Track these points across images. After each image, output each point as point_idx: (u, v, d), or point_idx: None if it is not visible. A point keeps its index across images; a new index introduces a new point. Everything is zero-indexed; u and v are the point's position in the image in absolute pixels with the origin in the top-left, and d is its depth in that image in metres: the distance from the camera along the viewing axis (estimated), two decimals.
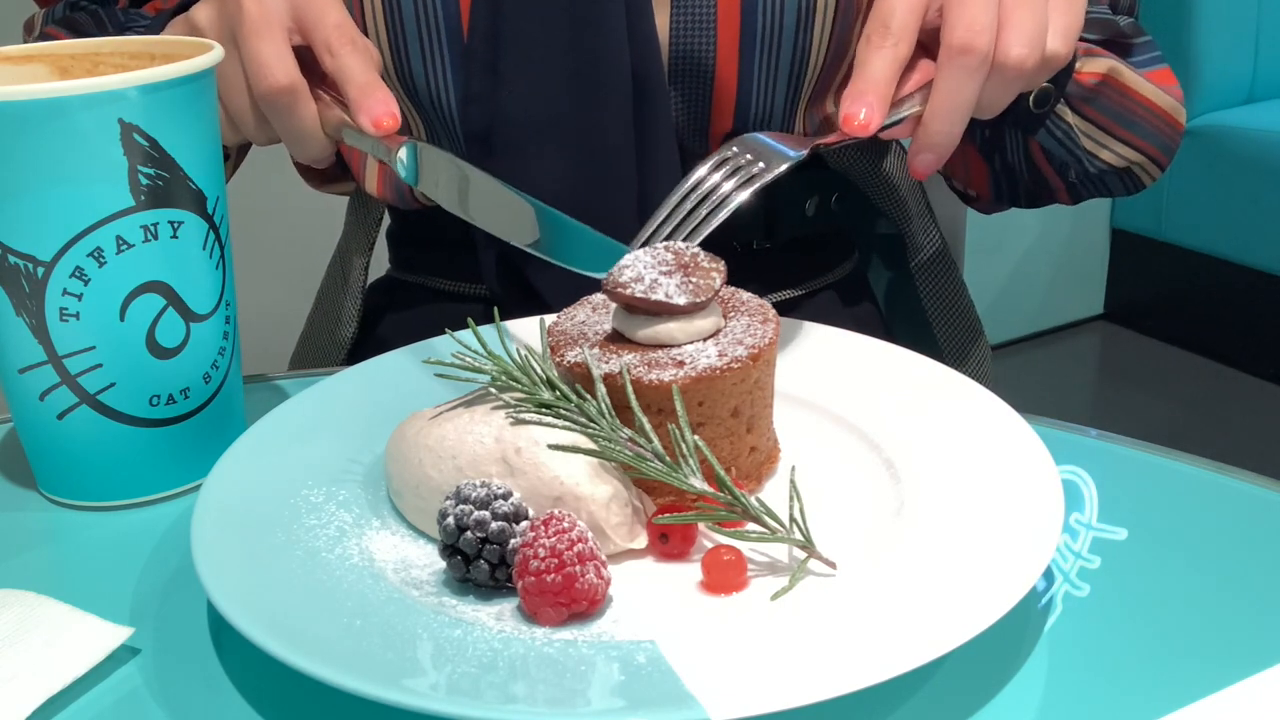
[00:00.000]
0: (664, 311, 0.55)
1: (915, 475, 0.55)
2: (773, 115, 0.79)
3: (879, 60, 0.62)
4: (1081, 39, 0.76)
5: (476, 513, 0.49)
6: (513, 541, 0.49)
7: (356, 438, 0.60)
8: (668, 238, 0.62)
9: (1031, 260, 2.74)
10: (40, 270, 0.56)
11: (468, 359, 0.56)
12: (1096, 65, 0.76)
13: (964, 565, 0.48)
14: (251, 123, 0.67)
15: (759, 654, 0.44)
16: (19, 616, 0.50)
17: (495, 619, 0.48)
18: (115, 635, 0.49)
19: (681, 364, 0.54)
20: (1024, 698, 0.46)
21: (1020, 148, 0.80)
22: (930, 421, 0.59)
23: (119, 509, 0.61)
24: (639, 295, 0.55)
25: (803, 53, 0.77)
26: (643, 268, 0.56)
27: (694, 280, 0.56)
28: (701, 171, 0.64)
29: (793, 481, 0.51)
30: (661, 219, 0.63)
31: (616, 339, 0.57)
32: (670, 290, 0.55)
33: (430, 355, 0.66)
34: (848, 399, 0.62)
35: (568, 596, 0.47)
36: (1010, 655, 0.48)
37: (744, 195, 0.62)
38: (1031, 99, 0.73)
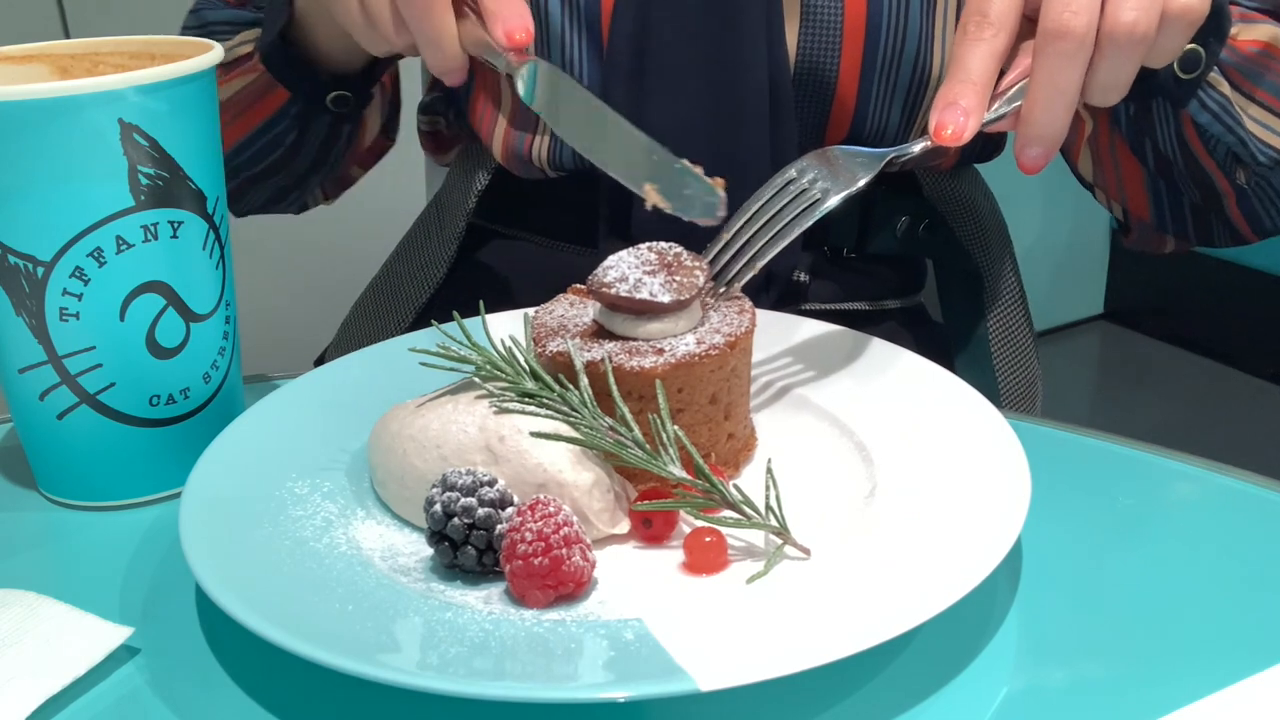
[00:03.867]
0: (649, 310, 0.56)
1: (887, 462, 0.57)
2: (886, 132, 0.80)
3: (975, 55, 0.57)
4: (1239, 3, 0.70)
5: (463, 499, 0.50)
6: (499, 527, 0.50)
7: (337, 431, 0.60)
8: (723, 270, 0.61)
9: (1031, 260, 2.72)
10: (40, 270, 0.56)
11: (452, 350, 0.57)
12: (1256, 33, 0.69)
13: (933, 547, 0.49)
14: (389, 22, 0.65)
15: (742, 629, 0.46)
16: (19, 616, 0.50)
17: (484, 602, 0.49)
18: (115, 635, 0.49)
19: (661, 352, 0.56)
20: (1026, 698, 0.46)
21: (1171, 126, 0.72)
22: (903, 409, 0.60)
23: (119, 509, 0.61)
24: (624, 294, 0.56)
25: (922, 76, 0.78)
26: (627, 268, 0.57)
27: (678, 279, 0.57)
28: (767, 194, 0.62)
29: (769, 470, 0.52)
30: (725, 240, 0.62)
31: (597, 332, 0.58)
32: (654, 289, 0.56)
33: (404, 351, 0.67)
34: (824, 389, 0.64)
35: (555, 579, 0.48)
36: (1010, 655, 0.48)
37: (805, 224, 0.60)
38: (1178, 63, 0.65)
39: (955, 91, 0.57)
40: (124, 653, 0.50)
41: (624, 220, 0.80)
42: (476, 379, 0.56)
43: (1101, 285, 2.91)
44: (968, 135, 0.57)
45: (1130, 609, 0.51)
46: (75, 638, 0.49)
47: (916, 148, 0.61)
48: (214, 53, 0.60)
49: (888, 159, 0.61)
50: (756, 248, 0.60)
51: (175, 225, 0.58)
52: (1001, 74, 0.59)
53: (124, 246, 0.57)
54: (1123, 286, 2.89)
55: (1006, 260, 0.91)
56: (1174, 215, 0.80)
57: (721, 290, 0.61)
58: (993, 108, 0.59)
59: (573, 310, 0.61)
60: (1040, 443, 0.63)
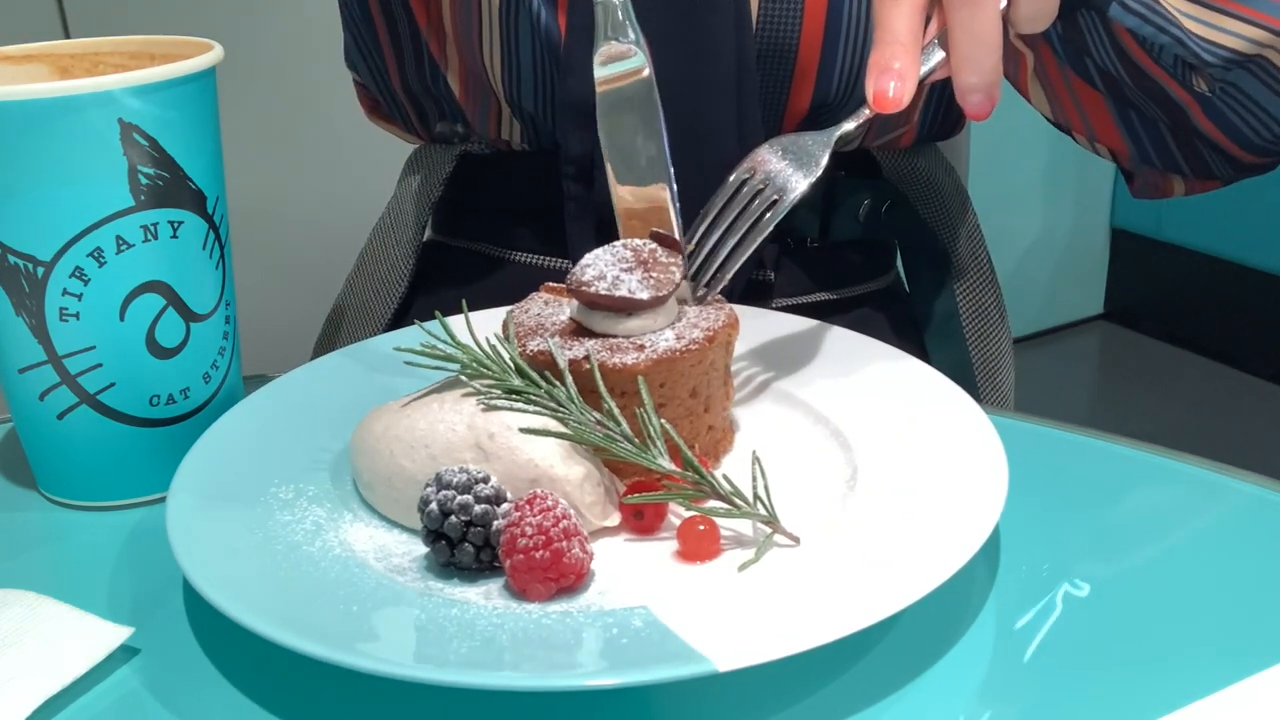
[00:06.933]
0: (628, 307, 0.57)
1: (865, 450, 0.58)
2: (851, 101, 0.79)
3: (899, 15, 0.55)
4: None
5: (459, 497, 0.50)
6: (496, 523, 0.50)
7: (316, 434, 0.60)
8: (698, 275, 0.62)
9: (1031, 260, 2.74)
10: (40, 270, 0.56)
11: (438, 348, 0.57)
12: None
13: (922, 526, 0.50)
14: None
15: (747, 612, 0.46)
16: (19, 616, 0.50)
17: (484, 598, 0.49)
18: (115, 635, 0.49)
19: (642, 348, 0.56)
20: (1023, 695, 0.46)
21: (1104, 38, 0.69)
22: (877, 398, 0.61)
23: (119, 509, 0.61)
24: (603, 292, 0.56)
25: None
26: (604, 265, 0.58)
27: (654, 275, 0.57)
28: (722, 200, 0.62)
29: (756, 460, 0.53)
30: (691, 249, 0.62)
31: (576, 329, 0.58)
32: (632, 286, 0.57)
33: (376, 352, 0.68)
34: (797, 381, 0.65)
35: (556, 571, 0.48)
36: (1012, 656, 0.48)
37: (778, 216, 0.61)
38: None
39: (886, 55, 0.55)
40: (124, 653, 0.50)
41: (591, 220, 0.79)
42: (463, 377, 0.56)
43: (1101, 285, 2.91)
44: (907, 97, 0.55)
45: (1130, 609, 0.51)
46: (75, 638, 0.49)
47: (859, 120, 0.60)
48: (214, 53, 0.60)
49: (836, 136, 0.61)
50: (729, 248, 0.61)
51: (175, 225, 0.58)
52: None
53: (124, 246, 0.57)
54: (1123, 286, 2.89)
55: (972, 235, 0.91)
56: (1156, 146, 0.78)
57: (701, 294, 0.61)
58: (922, 64, 0.57)
59: (548, 309, 0.61)
60: (1040, 442, 0.63)
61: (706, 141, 0.77)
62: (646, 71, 0.63)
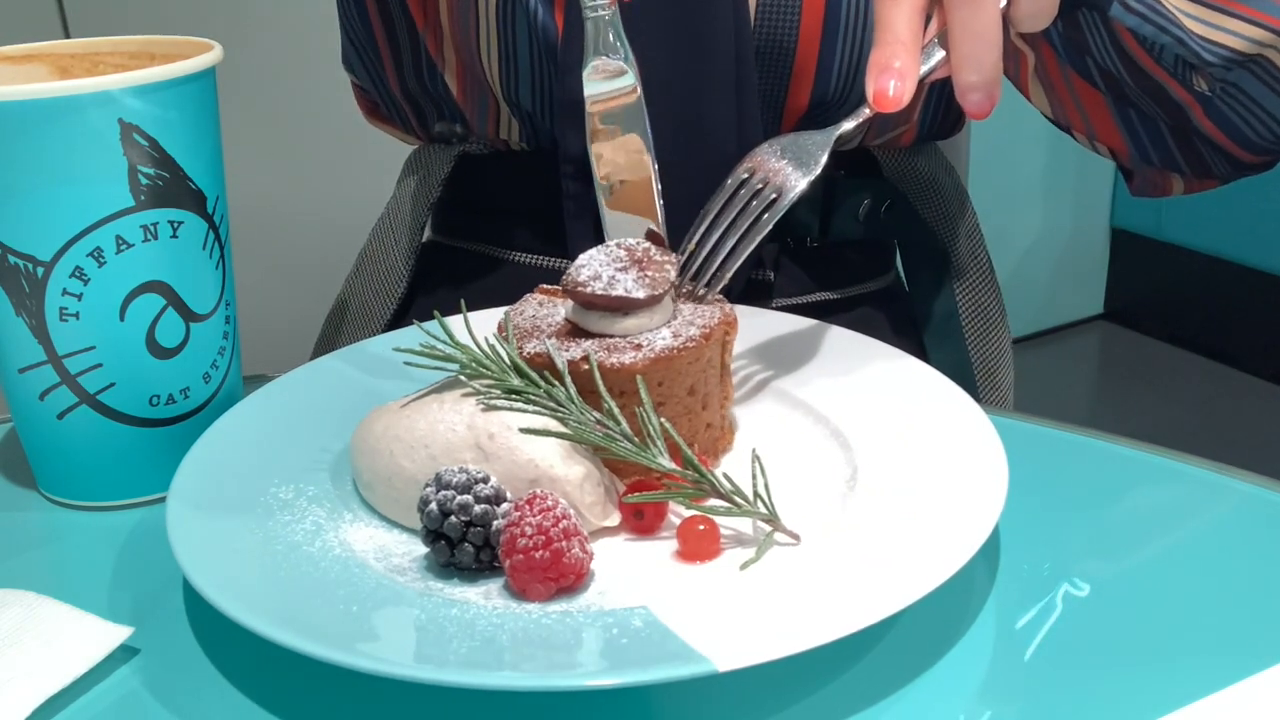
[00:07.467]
0: (624, 306, 0.57)
1: (864, 449, 0.58)
2: (850, 99, 0.79)
3: (899, 14, 0.55)
4: None
5: (459, 497, 0.50)
6: (496, 523, 0.50)
7: (317, 434, 0.60)
8: (698, 276, 0.62)
9: (1031, 260, 2.74)
10: (40, 270, 0.56)
11: (437, 349, 0.57)
12: None
13: (921, 526, 0.50)
14: None
15: (746, 612, 0.46)
16: (19, 616, 0.50)
17: (484, 598, 0.49)
18: (115, 635, 0.49)
19: (639, 347, 0.56)
20: (1023, 695, 0.46)
21: (1105, 38, 0.69)
22: (877, 398, 0.61)
23: (119, 509, 0.61)
24: (599, 292, 0.56)
25: None
26: (599, 265, 0.58)
27: (649, 274, 0.57)
28: (721, 200, 0.62)
29: (757, 458, 0.53)
30: (691, 249, 0.62)
31: (572, 330, 0.58)
32: (628, 285, 0.57)
33: (375, 352, 0.68)
34: (797, 380, 0.65)
35: (556, 571, 0.48)
36: (1017, 656, 0.48)
37: (777, 215, 0.61)
38: None
39: (886, 55, 0.55)
40: (124, 653, 0.50)
41: (590, 219, 0.79)
42: (462, 377, 0.56)
43: (1101, 285, 2.91)
44: (907, 97, 0.55)
45: (1130, 609, 0.51)
46: (75, 638, 0.49)
47: (858, 119, 0.60)
48: (214, 53, 0.60)
49: (835, 136, 0.61)
50: (728, 247, 0.61)
51: (175, 225, 0.58)
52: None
53: (124, 246, 0.57)
54: (1123, 286, 2.89)
55: (972, 235, 0.91)
56: (1155, 145, 0.78)
57: (702, 293, 0.61)
58: (923, 64, 0.57)
59: (543, 310, 0.61)
60: (1040, 442, 0.63)
61: (706, 140, 0.77)
62: (637, 92, 0.64)
